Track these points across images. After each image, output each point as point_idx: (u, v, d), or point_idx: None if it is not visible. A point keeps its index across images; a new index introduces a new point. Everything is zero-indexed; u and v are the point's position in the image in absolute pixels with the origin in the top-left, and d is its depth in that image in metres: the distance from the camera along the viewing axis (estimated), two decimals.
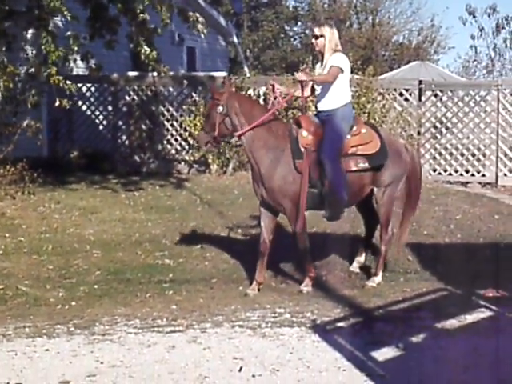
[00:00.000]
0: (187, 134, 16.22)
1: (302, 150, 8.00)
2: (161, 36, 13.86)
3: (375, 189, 8.34)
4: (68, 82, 12.75)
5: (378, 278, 8.49)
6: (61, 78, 12.58)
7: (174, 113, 16.62)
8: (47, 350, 6.39)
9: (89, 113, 17.29)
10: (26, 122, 13.79)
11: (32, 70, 13.49)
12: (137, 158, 16.85)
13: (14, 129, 13.17)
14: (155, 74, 15.24)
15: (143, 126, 16.85)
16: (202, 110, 15.58)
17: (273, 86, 8.31)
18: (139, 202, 12.93)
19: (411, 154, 8.67)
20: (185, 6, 15.30)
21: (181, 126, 16.46)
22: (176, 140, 16.66)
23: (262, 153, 8.02)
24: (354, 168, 8.12)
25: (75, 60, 13.45)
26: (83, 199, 13.03)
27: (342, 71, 8.08)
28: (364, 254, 8.95)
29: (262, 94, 15.65)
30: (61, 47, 12.67)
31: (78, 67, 16.18)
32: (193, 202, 13.02)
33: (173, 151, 16.72)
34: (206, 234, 10.62)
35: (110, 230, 10.94)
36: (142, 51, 13.22)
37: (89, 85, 17.01)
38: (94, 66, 13.78)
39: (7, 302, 8.06)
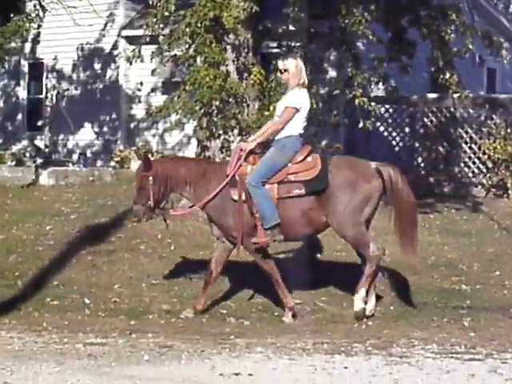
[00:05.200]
0: (486, 157, 15.82)
1: (237, 178, 8.11)
2: (462, 59, 13.72)
3: (329, 217, 8.11)
4: (372, 104, 12.96)
5: (357, 296, 8.08)
6: (365, 99, 12.81)
7: (473, 135, 16.27)
8: (346, 367, 6.46)
9: (386, 134, 17.39)
10: (324, 142, 14.13)
11: (337, 91, 13.84)
12: (431, 179, 16.66)
13: (315, 149, 13.49)
14: (455, 95, 15.02)
15: (440, 148, 16.65)
16: (502, 132, 15.14)
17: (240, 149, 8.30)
18: (434, 225, 12.75)
19: (387, 176, 8.21)
20: (489, 28, 15.01)
21: (479, 148, 16.08)
22: (474, 163, 16.27)
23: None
24: (285, 194, 8.09)
25: (377, 82, 13.64)
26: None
27: (297, 110, 8.15)
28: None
29: None
30: (363, 69, 12.92)
31: (378, 88, 16.33)
32: (490, 227, 12.65)
33: (470, 174, 16.36)
34: (504, 260, 10.27)
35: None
36: (441, 76, 13.16)
37: (387, 106, 17.12)
38: (390, 87, 13.90)
39: (304, 317, 8.28)
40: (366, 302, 8.16)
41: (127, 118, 20.21)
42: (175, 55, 13.30)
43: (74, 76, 21.02)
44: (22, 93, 22.17)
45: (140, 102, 19.86)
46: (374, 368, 6.41)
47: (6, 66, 21.28)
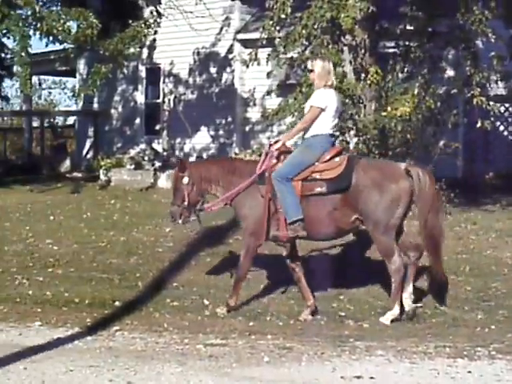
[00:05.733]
0: None
1: (266, 174, 8.28)
2: None
3: (363, 218, 8.10)
4: (491, 103, 12.66)
5: (391, 312, 8.02)
6: (483, 98, 12.53)
7: None
8: (469, 371, 6.33)
9: (505, 133, 16.95)
10: (442, 142, 13.88)
11: (454, 90, 13.59)
12: None
13: (434, 149, 13.32)
14: None
15: None
16: None
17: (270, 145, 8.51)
18: None
19: (416, 178, 8.05)
20: None
21: None
22: None
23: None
24: (308, 192, 8.19)
25: (497, 80, 13.32)
26: (499, 221, 12.79)
27: (322, 109, 8.21)
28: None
29: None
30: (482, 67, 12.64)
31: (498, 87, 15.94)
32: None
33: None
34: None
35: None
36: None
37: (507, 105, 16.69)
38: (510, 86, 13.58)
39: (426, 320, 8.14)
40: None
41: (242, 121, 20.35)
42: (291, 57, 13.32)
43: (191, 80, 21.33)
44: (139, 97, 22.65)
45: (255, 104, 19.97)
46: (498, 373, 6.28)
47: (125, 71, 21.78)
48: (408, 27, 13.91)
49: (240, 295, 8.70)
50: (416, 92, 12.98)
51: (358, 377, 6.27)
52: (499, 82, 14.26)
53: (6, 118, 34.23)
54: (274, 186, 8.24)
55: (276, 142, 8.57)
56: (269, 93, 16.12)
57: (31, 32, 17.01)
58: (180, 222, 8.72)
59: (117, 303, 8.96)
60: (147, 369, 6.56)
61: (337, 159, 8.26)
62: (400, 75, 13.59)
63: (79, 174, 21.70)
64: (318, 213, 8.22)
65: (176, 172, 8.72)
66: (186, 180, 8.52)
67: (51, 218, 14.03)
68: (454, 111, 13.56)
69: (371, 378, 6.25)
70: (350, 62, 12.98)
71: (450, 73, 15.45)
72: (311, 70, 8.47)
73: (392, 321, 8.02)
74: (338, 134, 8.63)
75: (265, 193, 8.31)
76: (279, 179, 8.21)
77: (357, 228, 8.45)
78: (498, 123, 16.83)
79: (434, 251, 8.24)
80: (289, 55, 13.38)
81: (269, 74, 14.16)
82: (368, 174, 8.13)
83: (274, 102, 15.63)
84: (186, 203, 8.54)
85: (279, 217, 8.29)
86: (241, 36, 19.82)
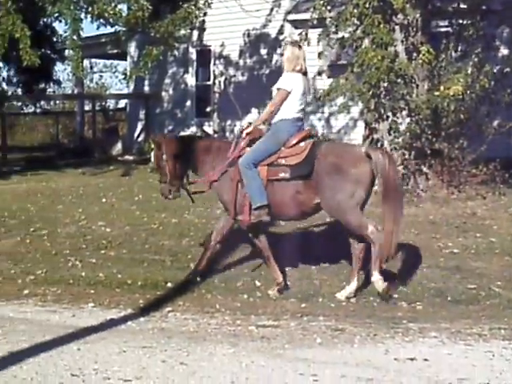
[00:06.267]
0: None
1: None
2: None
3: (322, 202, 8.26)
4: None
5: (373, 279, 8.13)
6: None
7: None
8: None
9: None
10: (496, 122, 13.67)
11: (508, 69, 13.35)
12: None
13: (487, 129, 13.12)
14: None
15: None
16: None
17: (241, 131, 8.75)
18: None
19: (376, 160, 8.11)
20: None
21: None
22: None
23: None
24: (273, 177, 8.39)
25: None
26: None
27: (288, 92, 8.40)
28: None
29: None
30: None
31: None
32: None
33: None
34: None
35: None
36: None
37: None
38: None
39: (480, 302, 8.05)
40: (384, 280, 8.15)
41: None
42: (342, 37, 13.20)
43: (241, 62, 21.31)
44: (190, 80, 22.69)
45: None
46: None
47: (176, 53, 21.81)
48: (461, 5, 13.67)
49: (294, 277, 8.77)
50: (469, 71, 12.77)
51: (412, 359, 6.21)
52: None
53: (58, 102, 34.66)
54: (241, 173, 8.48)
55: (248, 126, 8.76)
56: (320, 73, 15.99)
57: (82, 15, 17.12)
58: (171, 197, 9.04)
59: (169, 284, 9.01)
60: (199, 350, 6.57)
61: (302, 144, 8.46)
62: (453, 54, 13.37)
63: (130, 157, 21.85)
64: (282, 196, 8.44)
65: (155, 150, 9.10)
66: (164, 157, 8.89)
67: (103, 200, 14.14)
68: (508, 90, 13.31)
69: (425, 359, 6.19)
70: (402, 42, 12.81)
71: (503, 51, 15.20)
72: (281, 55, 8.92)
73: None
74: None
75: (233, 176, 8.60)
76: (245, 165, 8.45)
77: (317, 211, 8.59)
78: None
79: (390, 228, 8.10)
80: (340, 35, 13.25)
81: (320, 55, 14.05)
82: (328, 160, 8.25)
83: (324, 83, 15.52)
84: (168, 179, 8.90)
85: (245, 202, 8.52)
86: (291, 17, 19.71)
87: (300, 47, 8.85)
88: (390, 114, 12.71)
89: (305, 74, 8.66)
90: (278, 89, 8.53)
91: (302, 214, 8.66)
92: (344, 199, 8.14)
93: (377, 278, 8.10)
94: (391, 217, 8.11)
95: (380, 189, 8.30)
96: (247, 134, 8.66)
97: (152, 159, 9.12)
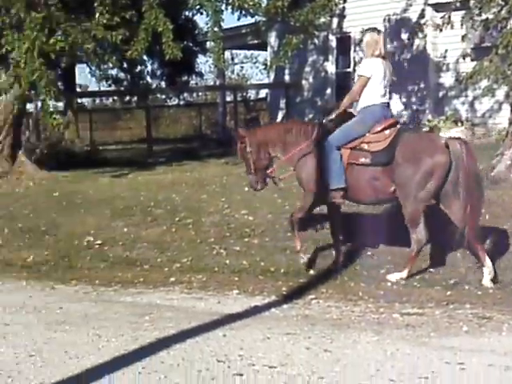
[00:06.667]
0: None
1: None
2: None
3: (397, 190, 8.34)
4: None
5: (400, 274, 8.42)
6: None
7: None
8: None
9: None
10: None
11: None
12: None
13: None
14: None
15: None
16: None
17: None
18: None
19: (454, 150, 8.14)
20: None
21: None
22: None
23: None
24: (353, 161, 8.52)
25: None
26: None
27: (368, 78, 8.52)
28: None
29: None
30: None
31: None
32: None
33: None
34: None
35: None
36: None
37: None
38: None
39: None
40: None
41: (435, 86, 19.94)
42: (486, 19, 12.83)
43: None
44: (330, 67, 22.64)
45: (448, 69, 19.50)
46: None
47: (315, 41, 21.80)
48: None
49: (439, 265, 8.77)
50: None
51: None
52: None
53: (200, 94, 35.29)
54: (323, 154, 8.62)
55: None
56: (463, 57, 15.62)
57: (223, 6, 17.31)
58: (259, 187, 9.32)
59: (311, 272, 9.02)
60: (343, 337, 6.55)
61: (387, 132, 8.50)
62: None
63: None
64: (360, 181, 8.57)
65: (238, 143, 9.21)
66: (248, 149, 9.04)
67: (246, 189, 14.27)
68: None
69: None
70: None
71: None
72: (361, 41, 8.67)
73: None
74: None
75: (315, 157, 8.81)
76: (328, 148, 8.62)
77: (394, 198, 8.60)
78: None
79: (473, 220, 8.16)
80: (483, 17, 12.89)
81: (463, 38, 13.73)
82: (407, 149, 8.33)
83: (468, 67, 15.15)
84: (253, 170, 9.09)
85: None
86: (432, 0, 19.34)
87: (379, 32, 8.93)
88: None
89: (384, 58, 8.74)
90: (359, 75, 8.75)
91: (378, 200, 8.87)
92: (416, 189, 8.22)
93: (404, 276, 8.43)
94: (469, 203, 8.12)
95: (460, 178, 8.20)
96: (329, 120, 8.87)
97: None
